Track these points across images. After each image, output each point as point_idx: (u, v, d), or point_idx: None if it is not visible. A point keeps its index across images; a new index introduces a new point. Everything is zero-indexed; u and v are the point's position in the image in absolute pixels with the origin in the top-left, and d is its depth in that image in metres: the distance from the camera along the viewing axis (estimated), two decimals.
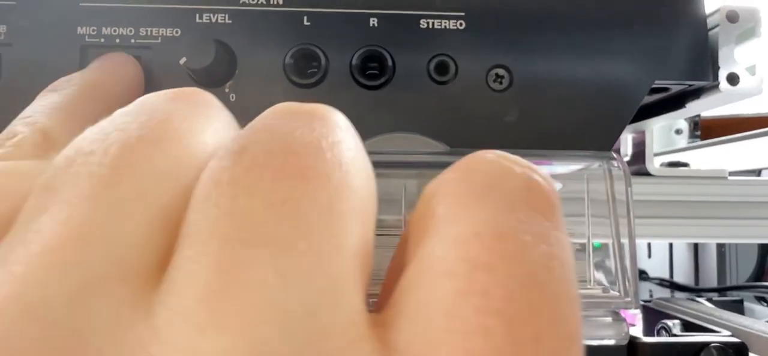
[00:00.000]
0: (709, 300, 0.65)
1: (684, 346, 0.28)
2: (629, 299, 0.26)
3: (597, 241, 0.28)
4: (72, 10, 0.30)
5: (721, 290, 0.79)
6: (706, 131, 0.83)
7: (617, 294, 0.26)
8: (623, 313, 0.26)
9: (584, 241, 0.27)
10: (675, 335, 0.33)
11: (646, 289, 0.85)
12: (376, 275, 0.28)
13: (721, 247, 0.84)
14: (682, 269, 0.89)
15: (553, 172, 0.29)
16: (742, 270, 0.85)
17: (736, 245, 0.85)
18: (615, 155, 0.27)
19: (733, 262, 0.86)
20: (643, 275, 0.89)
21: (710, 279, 0.85)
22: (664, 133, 0.85)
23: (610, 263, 0.27)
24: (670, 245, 0.88)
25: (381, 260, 0.28)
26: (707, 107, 0.32)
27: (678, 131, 0.87)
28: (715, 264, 0.85)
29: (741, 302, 0.74)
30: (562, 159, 0.29)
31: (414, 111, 0.30)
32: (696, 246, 0.86)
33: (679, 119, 0.71)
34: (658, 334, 0.34)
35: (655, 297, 0.77)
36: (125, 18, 0.30)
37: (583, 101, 0.30)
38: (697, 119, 0.87)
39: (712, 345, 0.28)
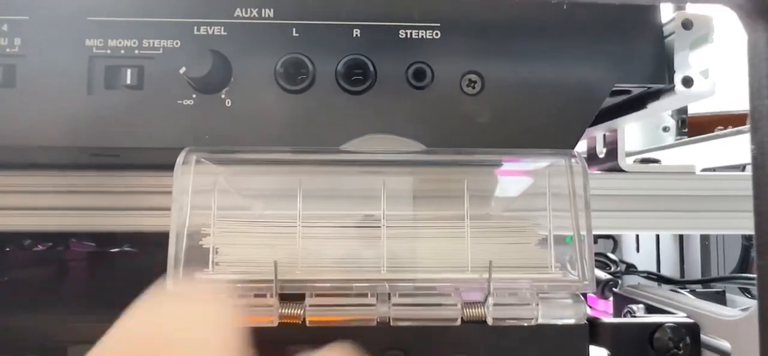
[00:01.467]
0: (693, 291, 0.67)
1: (641, 326, 0.30)
2: (587, 282, 0.28)
3: (568, 236, 0.31)
4: (80, 23, 0.33)
5: (705, 281, 0.81)
6: (699, 127, 0.84)
7: (577, 277, 0.28)
8: (599, 302, 0.28)
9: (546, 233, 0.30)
10: (637, 317, 0.35)
11: (634, 282, 0.87)
12: (365, 263, 0.30)
13: (705, 240, 0.86)
14: (668, 262, 0.91)
15: (520, 169, 0.32)
16: (728, 262, 0.87)
17: (722, 238, 0.87)
18: (575, 153, 0.30)
19: (719, 254, 0.88)
20: (631, 269, 0.91)
21: (695, 271, 0.87)
22: (651, 130, 0.87)
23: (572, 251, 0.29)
24: (657, 239, 0.91)
25: (366, 247, 0.30)
26: (666, 108, 0.35)
27: (665, 129, 0.88)
28: (699, 257, 0.87)
29: (723, 293, 0.76)
30: (528, 157, 0.31)
31: (394, 114, 0.32)
32: (681, 240, 0.88)
33: (647, 117, 0.73)
34: (624, 317, 0.37)
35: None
36: (129, 31, 0.33)
37: (549, 103, 0.33)
38: (684, 116, 0.89)
39: (667, 324, 0.30)
